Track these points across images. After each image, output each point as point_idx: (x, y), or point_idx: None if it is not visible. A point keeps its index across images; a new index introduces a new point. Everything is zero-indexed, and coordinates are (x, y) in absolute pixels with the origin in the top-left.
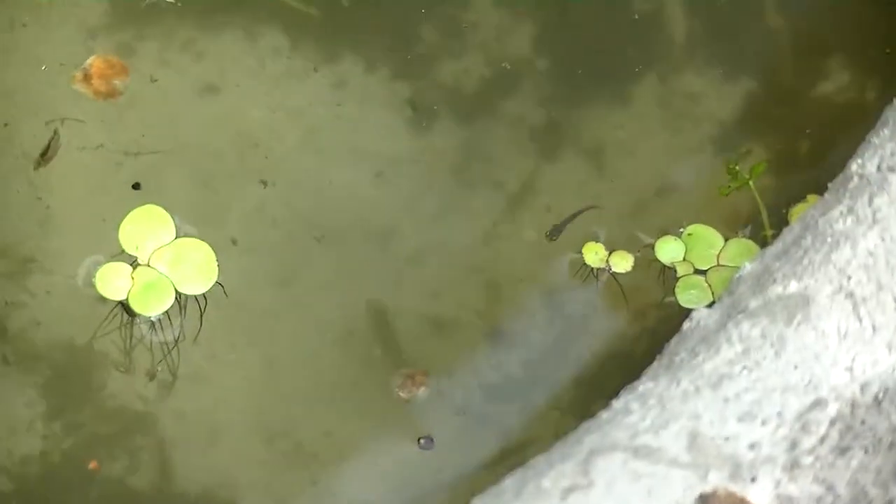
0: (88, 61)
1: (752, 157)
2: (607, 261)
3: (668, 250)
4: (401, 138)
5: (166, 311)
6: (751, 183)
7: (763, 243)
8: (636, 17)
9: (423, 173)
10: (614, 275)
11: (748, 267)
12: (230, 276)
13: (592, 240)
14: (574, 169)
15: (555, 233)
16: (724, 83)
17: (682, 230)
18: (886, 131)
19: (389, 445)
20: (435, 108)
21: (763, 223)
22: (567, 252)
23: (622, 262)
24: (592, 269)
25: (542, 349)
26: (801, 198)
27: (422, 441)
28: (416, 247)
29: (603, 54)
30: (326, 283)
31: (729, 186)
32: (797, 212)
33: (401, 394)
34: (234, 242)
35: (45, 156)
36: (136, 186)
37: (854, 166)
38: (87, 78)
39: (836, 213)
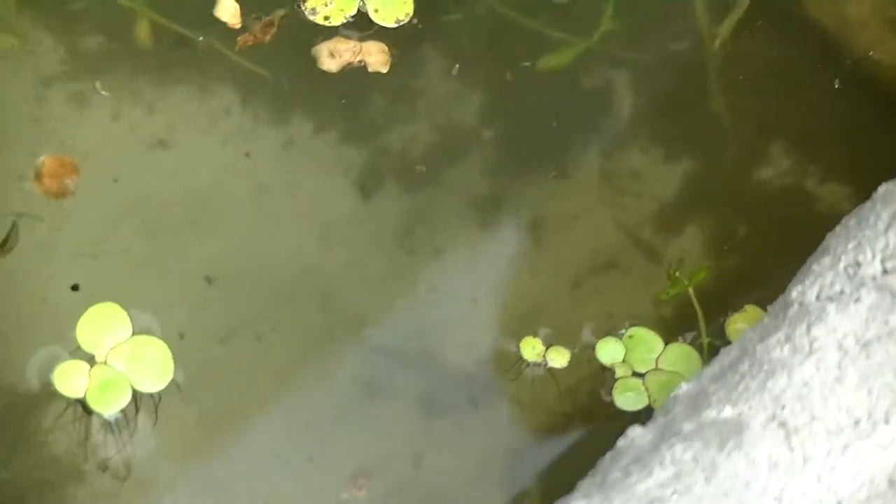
0: (40, 160)
1: (692, 259)
2: (544, 356)
3: (609, 351)
4: (346, 202)
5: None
6: (690, 290)
7: (700, 350)
8: (583, 91)
9: (368, 238)
10: (551, 370)
11: (684, 387)
12: (184, 367)
13: (530, 328)
14: (512, 240)
15: None
16: (666, 162)
17: (622, 331)
18: (827, 259)
19: None
20: (381, 173)
21: (701, 330)
22: (501, 336)
23: (559, 358)
24: (528, 363)
25: (466, 446)
26: (738, 306)
27: None
28: (356, 311)
29: (548, 127)
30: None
31: (668, 292)
32: (734, 322)
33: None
34: (182, 336)
35: (3, 247)
36: (74, 288)
37: (794, 293)
38: (38, 177)
39: (774, 340)
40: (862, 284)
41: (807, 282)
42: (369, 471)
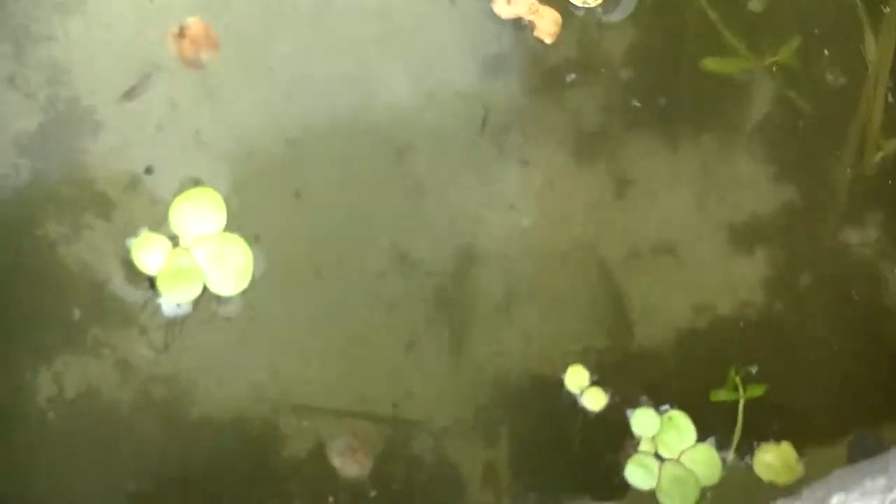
0: (190, 20)
1: (763, 370)
2: (583, 391)
3: (643, 422)
4: None
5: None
6: (741, 401)
7: (724, 462)
8: (725, 106)
9: None
10: (583, 410)
11: None
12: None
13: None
14: None
15: None
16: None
17: (666, 407)
18: (882, 481)
19: None
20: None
21: (732, 442)
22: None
23: (595, 401)
24: (568, 392)
25: None
26: (779, 436)
27: None
28: None
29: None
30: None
31: (718, 394)
32: (766, 451)
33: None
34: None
35: (130, 94)
36: (148, 171)
37: (835, 500)
38: (180, 36)
39: None
40: None
41: (853, 494)
42: None
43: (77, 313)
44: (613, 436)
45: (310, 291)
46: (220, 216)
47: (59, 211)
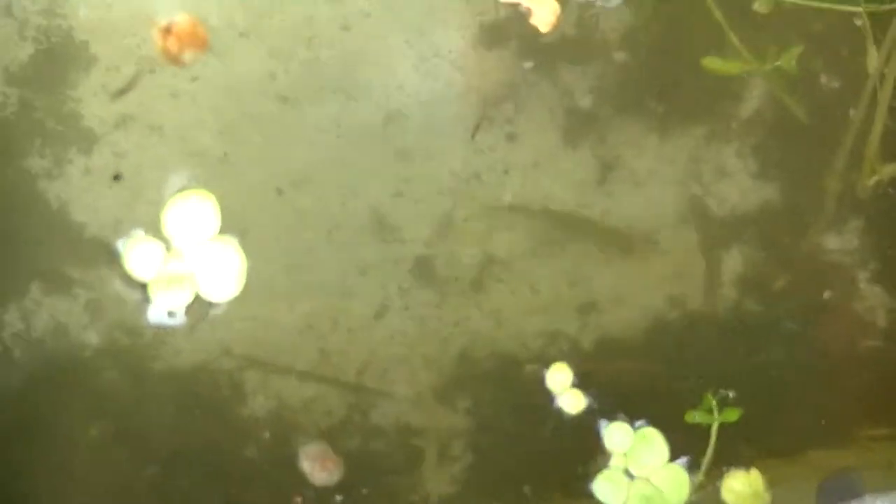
0: (179, 17)
1: (731, 401)
2: (563, 393)
3: (616, 438)
4: None
5: None
6: (714, 425)
7: (692, 483)
8: (721, 106)
9: None
10: (560, 412)
11: None
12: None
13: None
14: None
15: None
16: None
17: (640, 423)
18: None
19: None
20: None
21: (701, 464)
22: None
23: (573, 404)
24: (547, 391)
25: None
26: (749, 462)
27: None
28: None
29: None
30: None
31: (694, 415)
32: (734, 478)
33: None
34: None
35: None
36: (116, 178)
37: None
38: (166, 32)
39: None
40: None
41: None
42: None
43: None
44: (585, 443)
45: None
46: (213, 220)
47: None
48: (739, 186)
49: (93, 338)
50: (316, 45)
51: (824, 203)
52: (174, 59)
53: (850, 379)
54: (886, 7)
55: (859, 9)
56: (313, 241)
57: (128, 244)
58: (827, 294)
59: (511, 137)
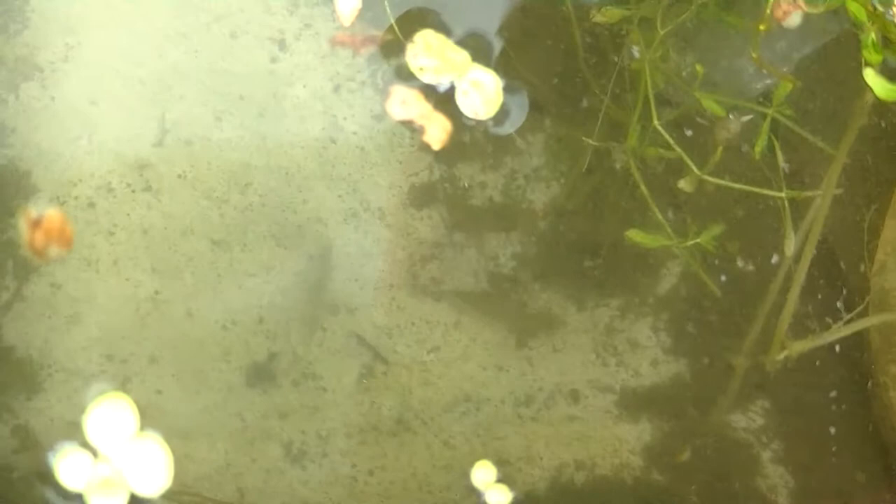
0: (46, 212)
1: None
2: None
3: None
4: None
5: None
6: None
7: None
8: None
9: None
10: None
11: None
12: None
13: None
14: None
15: None
16: None
17: None
18: None
19: None
20: None
21: None
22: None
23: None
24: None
25: None
26: None
27: None
28: None
29: None
30: None
31: None
32: None
33: None
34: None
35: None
36: None
37: None
38: (35, 226)
39: None
40: None
41: None
42: None
43: None
44: None
45: None
46: (133, 420)
47: None
48: (651, 359)
49: None
50: (251, 191)
51: (731, 379)
52: (38, 253)
53: None
54: (806, 193)
55: (781, 194)
56: (235, 384)
57: (57, 458)
58: (730, 469)
59: (437, 297)
